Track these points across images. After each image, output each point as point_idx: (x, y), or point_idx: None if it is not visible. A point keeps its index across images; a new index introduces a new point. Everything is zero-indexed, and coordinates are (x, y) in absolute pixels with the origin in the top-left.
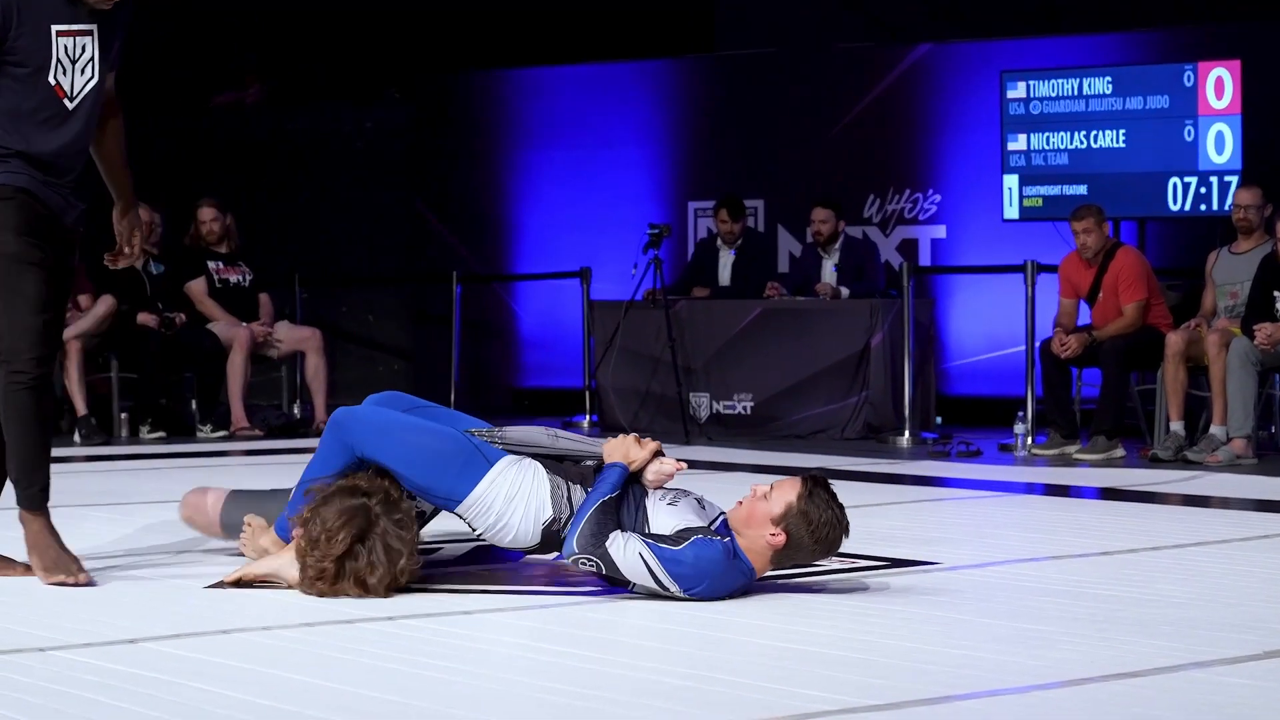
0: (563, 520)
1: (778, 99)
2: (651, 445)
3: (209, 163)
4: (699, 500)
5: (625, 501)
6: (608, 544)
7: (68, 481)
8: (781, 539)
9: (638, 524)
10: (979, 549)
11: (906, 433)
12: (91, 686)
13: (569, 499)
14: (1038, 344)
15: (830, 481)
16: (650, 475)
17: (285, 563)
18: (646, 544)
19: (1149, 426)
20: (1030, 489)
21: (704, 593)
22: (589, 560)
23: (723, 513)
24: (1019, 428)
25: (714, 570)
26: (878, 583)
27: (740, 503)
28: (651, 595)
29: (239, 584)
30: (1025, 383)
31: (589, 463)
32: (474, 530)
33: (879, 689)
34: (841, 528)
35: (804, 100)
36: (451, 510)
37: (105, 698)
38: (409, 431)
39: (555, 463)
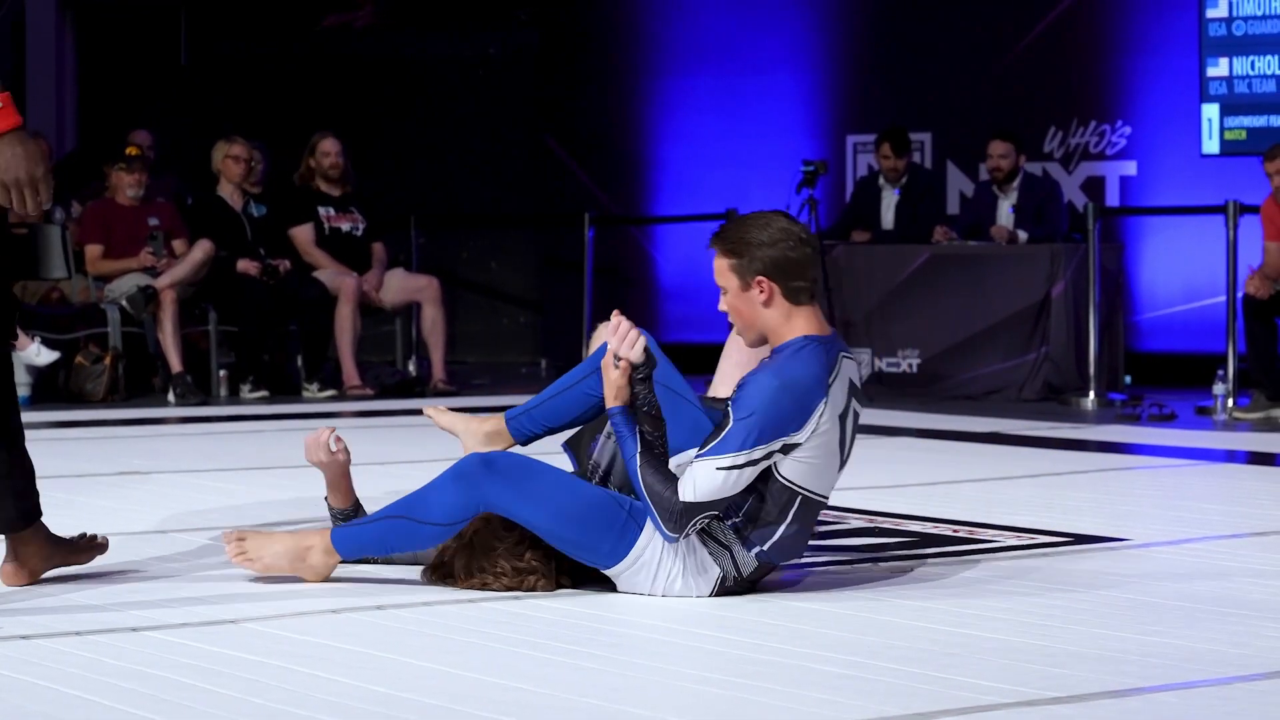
0: (730, 578)
1: (948, 19)
2: (608, 355)
3: (314, 92)
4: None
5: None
6: (683, 495)
7: (162, 445)
8: (768, 289)
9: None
10: (1174, 524)
11: (1091, 394)
12: (189, 670)
13: (729, 551)
14: (1240, 294)
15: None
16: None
17: (464, 429)
18: (704, 457)
19: None
20: (1231, 457)
21: (791, 418)
22: (691, 527)
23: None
24: (1219, 388)
25: (774, 396)
26: (1060, 562)
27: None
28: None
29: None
30: (1226, 338)
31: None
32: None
33: (1061, 679)
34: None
35: (978, 20)
36: (604, 570)
37: (205, 683)
38: (554, 490)
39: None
